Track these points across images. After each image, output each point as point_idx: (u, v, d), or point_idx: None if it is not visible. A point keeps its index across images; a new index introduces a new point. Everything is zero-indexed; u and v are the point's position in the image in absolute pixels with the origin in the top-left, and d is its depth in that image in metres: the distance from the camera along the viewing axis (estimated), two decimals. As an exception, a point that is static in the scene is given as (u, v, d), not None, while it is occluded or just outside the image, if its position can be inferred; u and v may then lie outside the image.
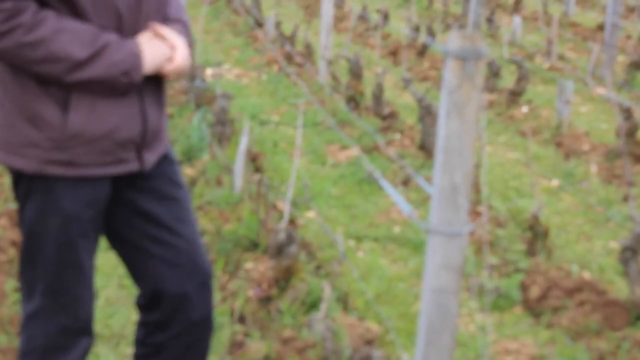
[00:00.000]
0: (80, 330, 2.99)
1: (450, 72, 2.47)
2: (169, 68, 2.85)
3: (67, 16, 2.69)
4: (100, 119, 2.75)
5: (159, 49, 2.82)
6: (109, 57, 2.70)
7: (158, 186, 2.98)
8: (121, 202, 2.95)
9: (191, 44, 2.99)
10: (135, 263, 3.04)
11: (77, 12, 2.69)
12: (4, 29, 2.62)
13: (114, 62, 2.70)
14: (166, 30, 2.86)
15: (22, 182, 2.83)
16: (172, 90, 8.94)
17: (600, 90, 9.14)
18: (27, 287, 2.94)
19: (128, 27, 2.78)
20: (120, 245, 3.05)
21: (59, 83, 2.70)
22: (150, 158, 2.93)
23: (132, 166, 2.88)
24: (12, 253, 4.91)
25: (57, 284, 2.89)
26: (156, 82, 2.91)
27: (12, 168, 2.84)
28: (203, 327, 3.09)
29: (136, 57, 2.74)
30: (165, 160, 3.02)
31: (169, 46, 2.85)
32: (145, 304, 3.09)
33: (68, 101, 2.73)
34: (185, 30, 2.97)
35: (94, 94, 2.74)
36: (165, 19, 2.93)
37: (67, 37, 2.65)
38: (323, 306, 3.86)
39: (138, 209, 2.96)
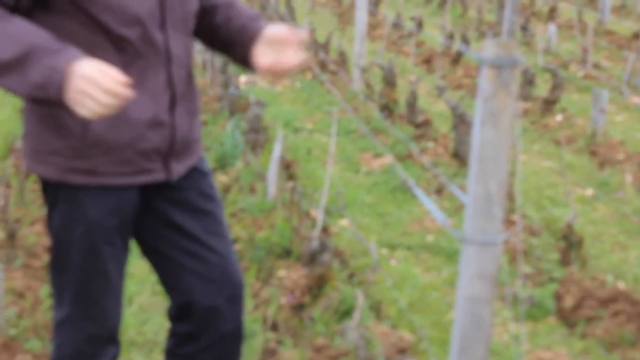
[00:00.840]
0: (107, 338, 2.98)
1: (485, 80, 2.47)
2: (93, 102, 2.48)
3: (84, 28, 2.61)
4: (123, 127, 2.69)
5: (105, 78, 2.44)
6: (28, 64, 2.48)
7: (190, 198, 2.94)
8: (152, 212, 2.93)
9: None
10: (167, 274, 3.02)
11: (88, 16, 2.60)
12: None
13: (29, 74, 2.48)
14: None
15: (49, 190, 2.82)
16: (206, 97, 8.99)
17: (636, 99, 9.08)
18: (57, 294, 2.94)
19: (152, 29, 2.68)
20: (152, 255, 3.03)
21: None
22: (179, 168, 2.88)
23: (158, 176, 2.83)
24: (47, 259, 4.93)
25: (83, 292, 2.87)
26: (187, 84, 2.86)
27: (39, 175, 2.83)
28: (233, 340, 3.08)
29: (57, 73, 2.46)
30: (197, 172, 2.97)
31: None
32: (176, 315, 3.08)
33: None
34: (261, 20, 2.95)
35: None
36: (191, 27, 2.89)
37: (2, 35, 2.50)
38: (356, 314, 3.86)
39: (169, 220, 2.93)
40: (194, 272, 2.95)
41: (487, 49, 2.45)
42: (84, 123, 2.65)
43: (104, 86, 2.42)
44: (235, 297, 3.03)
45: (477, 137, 2.51)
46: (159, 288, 4.79)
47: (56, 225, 2.84)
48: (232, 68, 9.32)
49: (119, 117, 2.65)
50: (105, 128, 2.67)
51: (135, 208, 2.87)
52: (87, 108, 2.43)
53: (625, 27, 14.69)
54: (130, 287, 4.68)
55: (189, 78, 2.88)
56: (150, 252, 3.02)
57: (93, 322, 2.93)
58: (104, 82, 2.43)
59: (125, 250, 2.93)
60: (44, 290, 4.67)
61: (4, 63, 2.49)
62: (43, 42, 2.51)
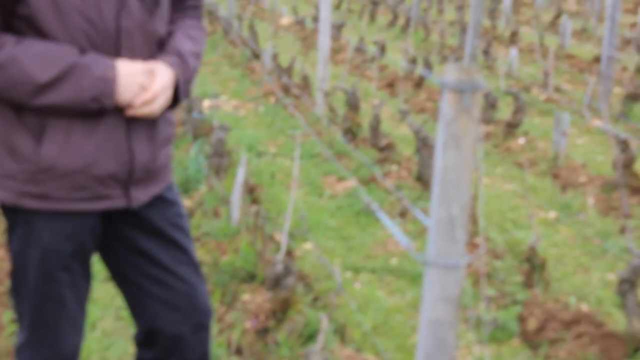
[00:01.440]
0: None
1: (447, 104, 2.48)
2: (139, 98, 2.70)
3: (33, 38, 2.61)
4: (75, 152, 2.67)
5: (138, 75, 2.69)
6: (75, 80, 2.59)
7: (157, 226, 2.91)
8: (119, 238, 2.90)
9: (188, 79, 2.86)
10: (133, 299, 3.00)
11: (44, 37, 2.61)
12: None
13: (82, 87, 2.59)
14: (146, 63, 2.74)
15: (7, 214, 2.80)
16: (170, 121, 8.96)
17: (597, 122, 9.17)
18: (18, 318, 2.93)
19: (105, 52, 2.67)
20: (119, 280, 3.01)
21: (34, 111, 2.62)
22: (141, 196, 2.84)
23: (117, 203, 2.79)
24: (7, 285, 4.91)
25: (39, 318, 2.85)
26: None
27: None
28: None
29: (107, 82, 2.61)
30: (165, 200, 2.94)
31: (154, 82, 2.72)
32: (142, 341, 3.06)
33: (43, 131, 2.65)
34: (180, 62, 2.83)
35: (71, 124, 2.66)
36: (161, 49, 2.85)
37: (29, 59, 2.56)
38: (320, 338, 3.85)
39: (136, 247, 2.91)
40: (161, 300, 2.94)
41: (449, 73, 2.47)
42: (36, 147, 2.64)
43: (144, 84, 2.70)
44: (201, 326, 3.02)
45: (440, 160, 2.53)
46: (123, 313, 4.77)
47: (14, 250, 2.82)
48: (196, 92, 9.32)
49: (70, 142, 2.65)
50: (57, 153, 2.65)
51: (94, 234, 2.84)
52: (142, 103, 2.70)
53: (585, 50, 14.85)
54: (93, 312, 4.66)
55: None
56: (118, 278, 3.01)
57: (49, 348, 2.90)
58: (144, 80, 2.70)
59: (84, 276, 2.90)
60: (7, 315, 4.64)
61: (44, 83, 2.57)
62: (75, 57, 2.60)
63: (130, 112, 2.70)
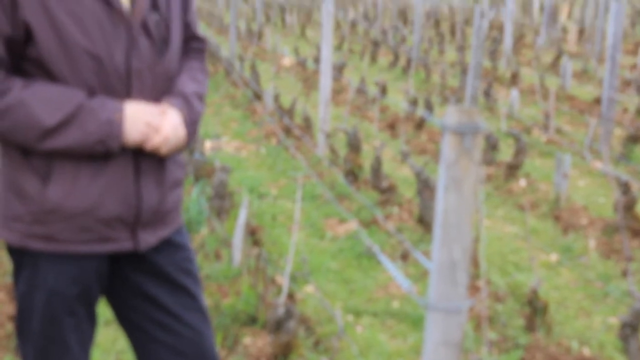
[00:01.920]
0: None
1: (448, 146, 2.50)
2: (152, 141, 2.72)
3: (42, 79, 2.63)
4: (81, 193, 2.67)
5: (146, 116, 2.70)
6: (81, 123, 2.60)
7: (165, 271, 2.92)
8: (125, 282, 2.91)
9: (194, 120, 2.88)
10: (138, 344, 3.00)
11: (54, 78, 2.63)
12: None
13: (88, 130, 2.61)
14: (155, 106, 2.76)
15: (14, 255, 2.82)
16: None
17: (598, 164, 9.19)
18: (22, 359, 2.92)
19: (116, 93, 2.69)
20: (125, 324, 3.00)
21: (41, 153, 2.64)
22: (149, 239, 2.84)
23: (124, 245, 2.79)
24: (10, 328, 4.90)
25: None
26: (161, 159, 2.82)
27: (4, 240, 2.81)
28: None
29: (113, 125, 2.63)
30: (174, 244, 2.94)
31: (165, 122, 2.74)
32: None
33: (50, 172, 2.66)
34: (185, 104, 2.85)
35: (78, 166, 2.66)
36: (168, 91, 2.87)
37: (36, 103, 2.57)
38: (322, 382, 3.86)
39: (143, 291, 2.91)
40: (167, 346, 2.94)
41: (450, 115, 2.48)
42: (43, 189, 2.65)
43: (154, 124, 2.71)
44: None
45: (441, 203, 2.54)
46: (125, 356, 4.77)
47: (20, 292, 2.83)
48: (198, 134, 9.34)
49: (77, 184, 2.66)
50: (63, 194, 2.66)
51: (100, 277, 2.85)
52: (151, 143, 2.72)
53: (586, 92, 14.89)
54: (94, 355, 4.65)
55: None
56: (123, 321, 3.01)
57: None
58: (154, 120, 2.71)
59: (89, 320, 2.90)
60: (7, 359, 4.63)
61: (50, 127, 2.58)
62: (82, 99, 2.61)
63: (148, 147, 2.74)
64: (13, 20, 2.58)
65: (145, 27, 2.73)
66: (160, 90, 2.81)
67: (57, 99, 2.59)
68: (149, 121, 2.70)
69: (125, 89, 2.70)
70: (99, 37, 2.62)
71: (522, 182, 8.79)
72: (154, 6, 2.78)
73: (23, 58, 2.63)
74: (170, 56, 2.83)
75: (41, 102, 2.58)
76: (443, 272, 2.57)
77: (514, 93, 12.57)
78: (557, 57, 18.09)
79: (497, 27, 22.91)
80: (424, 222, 7.04)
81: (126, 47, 2.68)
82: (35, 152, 2.65)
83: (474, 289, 5.62)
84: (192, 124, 2.87)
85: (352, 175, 8.68)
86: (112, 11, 2.65)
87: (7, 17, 2.57)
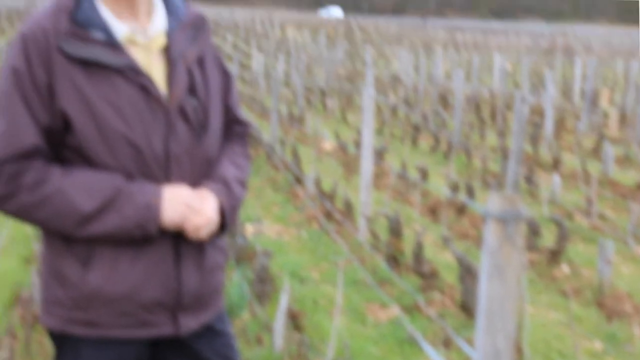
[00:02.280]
0: None
1: (490, 233, 2.52)
2: (192, 222, 2.73)
3: (82, 166, 2.66)
4: (121, 278, 2.69)
5: (185, 199, 2.72)
6: (119, 208, 2.62)
7: (205, 356, 2.92)
8: None
9: (234, 206, 2.89)
10: None
11: (94, 165, 2.66)
12: (5, 191, 2.61)
13: (126, 215, 2.63)
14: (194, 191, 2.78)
15: (55, 341, 2.83)
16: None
17: (642, 251, 9.13)
18: None
19: (155, 178, 2.72)
20: None
21: (82, 239, 2.66)
22: (190, 323, 2.85)
23: (164, 330, 2.80)
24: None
25: None
26: (202, 243, 2.83)
27: (45, 326, 2.82)
28: None
29: (151, 209, 2.65)
30: (214, 330, 2.95)
31: (204, 206, 2.76)
32: None
33: (90, 258, 2.68)
34: (225, 190, 2.86)
35: (118, 250, 2.68)
36: (211, 169, 2.89)
37: (74, 191, 2.60)
38: None
39: None
40: None
41: (492, 202, 2.50)
42: (83, 274, 2.67)
43: (193, 206, 2.72)
44: None
45: (484, 291, 2.55)
46: None
47: (62, 379, 2.83)
48: (239, 218, 9.38)
49: (116, 268, 2.68)
50: (103, 280, 2.67)
51: None
52: (192, 227, 2.73)
53: (628, 177, 14.82)
54: None
55: None
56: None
57: None
58: (193, 202, 2.72)
59: None
60: None
61: (88, 213, 2.61)
62: (120, 183, 2.64)
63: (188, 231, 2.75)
64: (51, 110, 2.63)
65: (182, 112, 2.77)
66: (199, 175, 2.83)
67: (95, 185, 2.62)
68: (188, 203, 2.72)
69: (164, 174, 2.73)
70: (137, 123, 2.67)
71: (565, 268, 8.73)
72: (192, 91, 2.82)
73: (62, 146, 2.68)
74: (209, 140, 2.85)
75: (79, 190, 2.61)
76: (488, 362, 2.57)
77: (556, 178, 12.55)
78: (599, 142, 18.05)
79: (537, 112, 22.91)
80: (467, 308, 7.00)
81: (164, 133, 2.72)
82: (76, 238, 2.67)
83: (517, 377, 5.57)
84: (232, 209, 2.88)
85: (394, 260, 8.67)
86: (150, 98, 2.70)
87: (45, 108, 2.63)
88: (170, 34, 2.82)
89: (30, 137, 2.62)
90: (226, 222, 2.87)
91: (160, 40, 2.81)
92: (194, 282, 2.83)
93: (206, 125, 2.84)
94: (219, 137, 2.95)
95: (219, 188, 2.84)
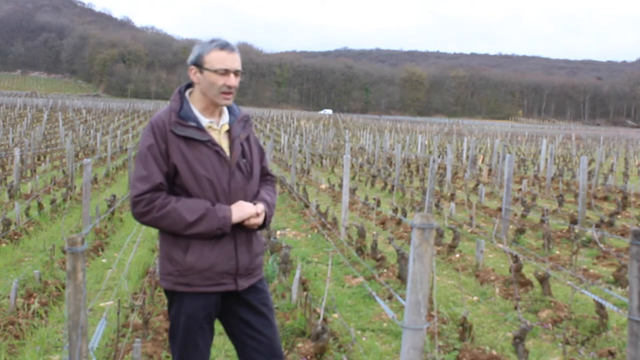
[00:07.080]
0: None
1: (415, 236, 2.52)
2: (250, 221, 2.75)
3: (184, 196, 2.68)
4: (205, 258, 2.68)
5: (244, 210, 2.72)
6: (208, 219, 2.62)
7: (253, 303, 2.86)
8: (230, 310, 2.87)
9: (270, 215, 2.86)
10: (237, 346, 2.93)
11: (190, 195, 2.67)
12: (145, 210, 2.61)
13: (212, 223, 2.63)
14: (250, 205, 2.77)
15: (167, 295, 2.81)
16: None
17: (500, 245, 9.09)
18: (172, 354, 2.88)
19: (224, 201, 2.71)
20: (229, 335, 2.95)
21: (184, 236, 2.66)
22: (244, 283, 2.80)
23: (229, 287, 2.76)
24: (165, 336, 4.88)
25: (184, 354, 2.81)
26: (247, 235, 2.80)
27: (162, 287, 2.82)
28: None
29: (226, 219, 2.66)
30: (258, 288, 2.89)
31: (254, 209, 2.75)
32: None
33: (188, 247, 2.67)
34: (265, 205, 2.83)
35: (204, 242, 2.67)
36: (254, 197, 2.86)
37: (183, 209, 2.60)
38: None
39: (239, 316, 2.86)
40: (252, 348, 2.88)
41: (416, 218, 2.51)
42: (184, 256, 2.66)
43: (248, 214, 2.70)
44: None
45: (411, 268, 2.55)
46: (230, 353, 4.71)
47: (171, 316, 2.81)
48: (272, 226, 9.34)
49: (203, 253, 2.66)
50: (195, 259, 2.67)
51: (216, 307, 2.82)
52: (251, 222, 2.72)
53: (493, 204, 14.73)
54: (212, 352, 4.61)
55: (248, 234, 2.82)
56: (228, 333, 2.96)
57: None
58: (248, 212, 2.71)
59: (210, 332, 2.86)
60: (164, 354, 4.61)
61: (191, 222, 2.61)
62: (209, 206, 2.64)
63: (247, 224, 2.74)
64: (167, 164, 2.66)
65: (238, 166, 2.78)
66: (249, 201, 2.83)
67: (194, 207, 2.63)
68: (248, 210, 2.73)
69: (227, 200, 2.73)
70: (212, 171, 2.68)
71: (457, 255, 8.70)
72: (243, 154, 2.83)
73: (173, 184, 2.69)
74: (253, 182, 2.86)
75: (185, 208, 2.62)
76: (412, 307, 2.57)
77: (452, 205, 12.52)
78: (476, 184, 18.02)
79: (442, 168, 22.91)
80: (402, 278, 6.97)
81: (228, 177, 2.73)
82: (181, 236, 2.67)
83: (429, 316, 5.54)
84: (269, 216, 2.87)
85: (360, 251, 8.63)
86: (220, 158, 2.72)
87: (165, 162, 2.65)
88: (231, 124, 2.84)
89: (158, 178, 2.64)
90: (266, 223, 2.86)
91: (225, 127, 2.82)
92: (246, 260, 2.81)
93: (251, 174, 2.85)
94: (258, 181, 2.95)
95: (262, 203, 2.84)
